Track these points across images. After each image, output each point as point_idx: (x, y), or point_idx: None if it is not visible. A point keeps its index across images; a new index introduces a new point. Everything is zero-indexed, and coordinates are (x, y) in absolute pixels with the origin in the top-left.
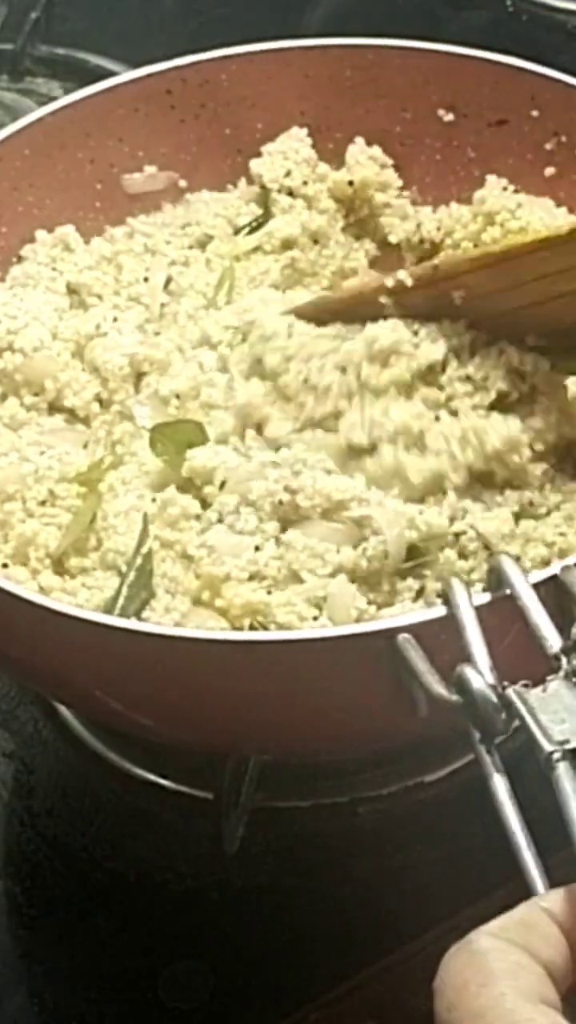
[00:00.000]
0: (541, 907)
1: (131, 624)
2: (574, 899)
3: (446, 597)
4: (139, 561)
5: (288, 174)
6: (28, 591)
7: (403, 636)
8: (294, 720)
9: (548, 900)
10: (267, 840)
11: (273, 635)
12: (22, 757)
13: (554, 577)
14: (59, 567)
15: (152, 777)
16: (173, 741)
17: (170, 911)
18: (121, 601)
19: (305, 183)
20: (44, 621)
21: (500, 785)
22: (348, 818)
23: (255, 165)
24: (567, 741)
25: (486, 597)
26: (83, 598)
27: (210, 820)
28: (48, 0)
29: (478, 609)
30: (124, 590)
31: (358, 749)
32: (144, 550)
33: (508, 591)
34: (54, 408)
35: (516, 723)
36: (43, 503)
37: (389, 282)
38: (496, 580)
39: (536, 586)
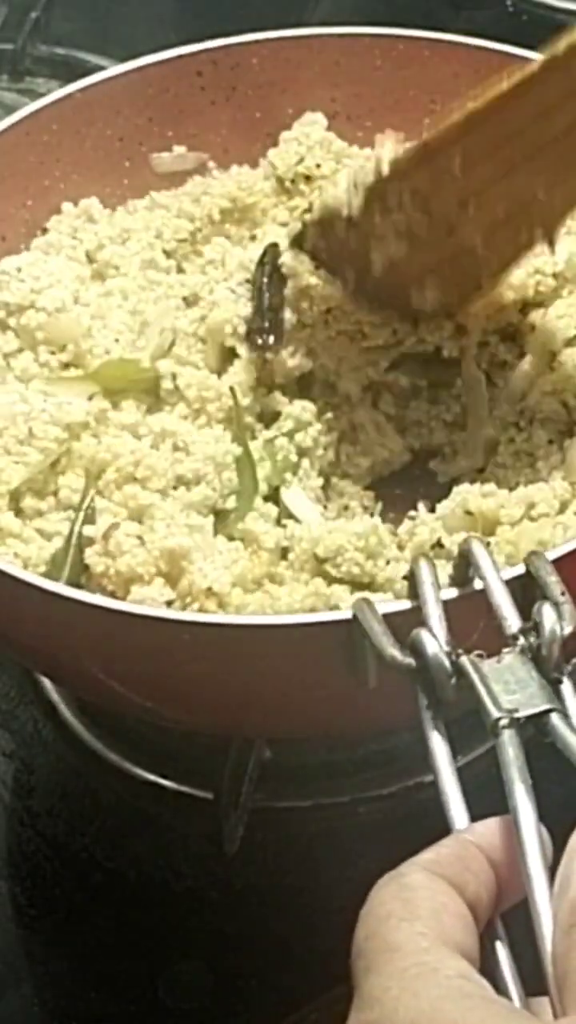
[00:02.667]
0: (471, 840)
1: (123, 606)
2: (501, 832)
3: (412, 575)
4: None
5: (301, 160)
6: (24, 573)
7: (359, 600)
8: (291, 702)
9: (477, 833)
10: (267, 840)
11: (262, 619)
12: (22, 757)
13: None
14: (15, 505)
15: (152, 777)
16: (162, 721)
17: (170, 911)
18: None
19: (319, 165)
20: (35, 600)
21: (440, 747)
22: (348, 818)
23: (272, 155)
24: (515, 710)
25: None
26: (34, 548)
27: (210, 820)
28: (48, 0)
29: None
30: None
31: (356, 733)
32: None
33: (474, 574)
34: (69, 367)
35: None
36: (21, 442)
37: (385, 167)
38: (464, 563)
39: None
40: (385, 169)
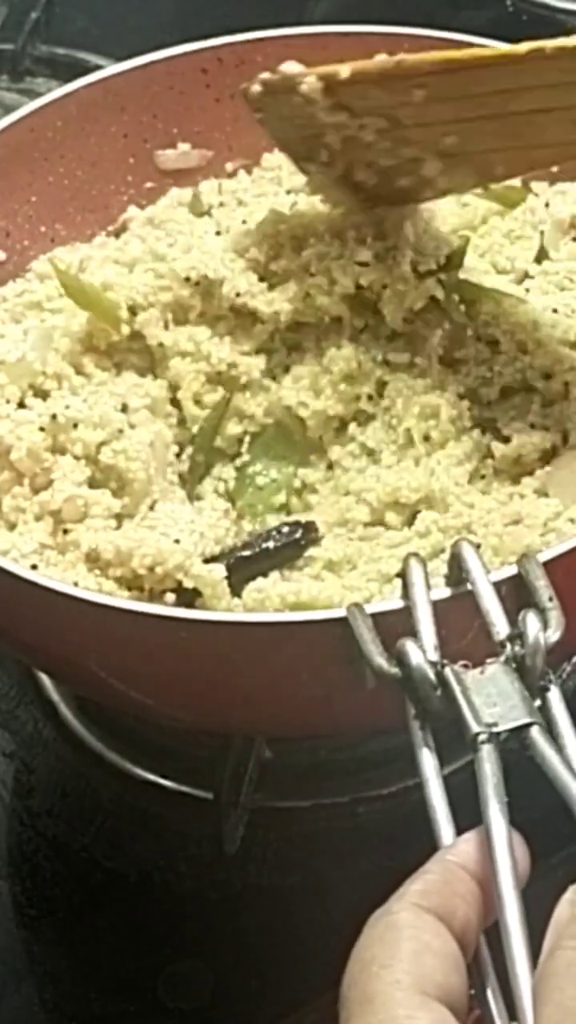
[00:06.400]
0: (456, 862)
1: (122, 603)
2: (482, 845)
3: (403, 576)
4: None
5: None
6: (25, 570)
7: (351, 606)
8: (288, 700)
9: (460, 852)
10: (267, 840)
11: (260, 617)
12: (22, 757)
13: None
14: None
15: (152, 777)
16: (162, 720)
17: (170, 911)
18: None
19: None
20: (40, 599)
21: (428, 760)
22: (348, 818)
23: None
24: (495, 724)
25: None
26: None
27: (210, 820)
28: (48, 0)
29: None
30: None
31: (355, 732)
32: None
33: (465, 577)
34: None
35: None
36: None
37: (344, 71)
38: (456, 567)
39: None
40: (346, 71)
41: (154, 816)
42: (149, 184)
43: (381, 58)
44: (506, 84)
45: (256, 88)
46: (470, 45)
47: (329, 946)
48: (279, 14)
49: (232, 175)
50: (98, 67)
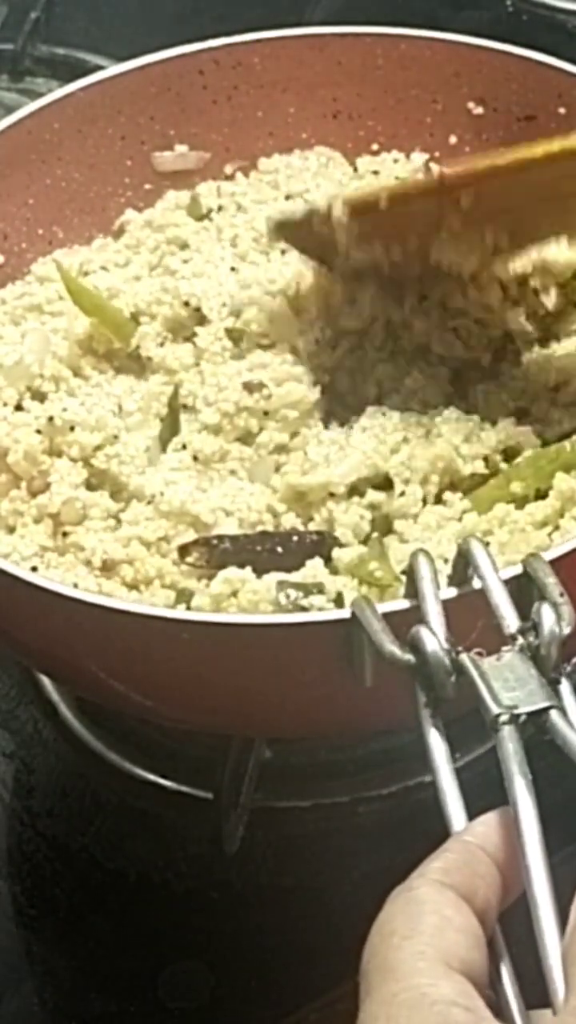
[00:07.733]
0: (475, 843)
1: (122, 605)
2: (499, 828)
3: (411, 571)
4: None
5: None
6: (24, 571)
7: (358, 599)
8: (288, 700)
9: (478, 834)
10: (267, 840)
11: (260, 618)
12: (22, 757)
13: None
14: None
15: (152, 777)
16: (162, 721)
17: (170, 911)
18: None
19: None
20: (39, 600)
21: (438, 748)
22: (348, 818)
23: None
24: (515, 707)
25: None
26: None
27: (210, 820)
28: (48, 0)
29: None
30: None
31: (355, 733)
32: None
33: (473, 574)
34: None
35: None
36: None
37: (383, 200)
38: (463, 563)
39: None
40: (383, 200)
41: (154, 816)
42: (147, 186)
43: (418, 177)
44: (555, 172)
45: (274, 219)
46: (469, 46)
47: (329, 946)
48: (278, 14)
49: (230, 177)
50: (98, 67)
